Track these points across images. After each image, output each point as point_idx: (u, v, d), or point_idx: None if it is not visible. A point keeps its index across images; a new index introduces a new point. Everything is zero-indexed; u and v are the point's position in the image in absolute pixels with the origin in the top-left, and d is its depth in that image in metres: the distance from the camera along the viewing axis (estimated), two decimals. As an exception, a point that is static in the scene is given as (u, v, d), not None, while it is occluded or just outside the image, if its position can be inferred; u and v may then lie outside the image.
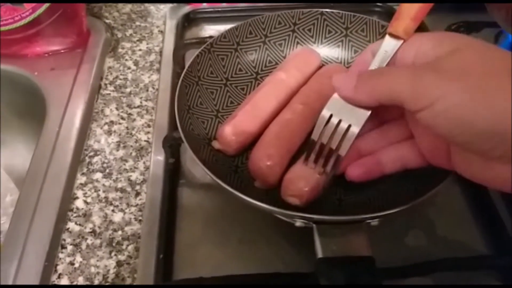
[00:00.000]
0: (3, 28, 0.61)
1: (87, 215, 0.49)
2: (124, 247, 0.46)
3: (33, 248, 0.45)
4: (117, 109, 0.60)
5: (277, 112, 0.49)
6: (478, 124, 0.28)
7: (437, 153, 0.36)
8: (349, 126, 0.36)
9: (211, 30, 0.72)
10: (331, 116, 0.37)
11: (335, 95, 0.37)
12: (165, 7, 0.76)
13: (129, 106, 0.61)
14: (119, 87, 0.63)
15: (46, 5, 0.60)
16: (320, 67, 0.54)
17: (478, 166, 0.32)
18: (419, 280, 0.42)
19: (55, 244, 0.46)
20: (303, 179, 0.41)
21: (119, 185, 0.52)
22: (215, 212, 0.49)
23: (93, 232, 0.47)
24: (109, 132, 0.57)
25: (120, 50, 0.69)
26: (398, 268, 0.41)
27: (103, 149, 0.55)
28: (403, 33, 0.36)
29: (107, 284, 0.44)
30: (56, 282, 0.44)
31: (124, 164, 0.54)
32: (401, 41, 0.36)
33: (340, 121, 0.37)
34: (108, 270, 0.44)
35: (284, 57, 0.57)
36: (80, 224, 0.48)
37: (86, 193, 0.51)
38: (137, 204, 0.50)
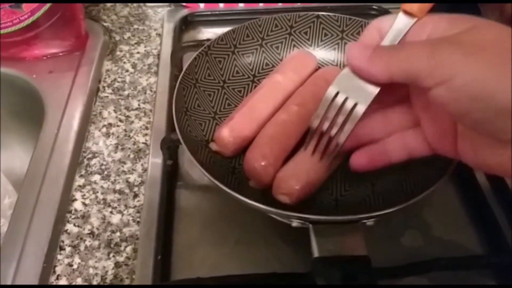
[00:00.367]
0: (1, 31, 0.61)
1: (85, 217, 0.49)
2: (122, 248, 0.46)
3: (31, 250, 0.45)
4: (115, 111, 0.61)
5: (273, 114, 0.49)
6: (495, 100, 0.28)
7: (444, 140, 0.35)
8: (355, 105, 0.35)
9: (209, 33, 0.73)
10: (336, 94, 0.36)
11: (344, 71, 0.35)
12: (162, 10, 0.76)
13: (127, 108, 0.61)
14: (117, 89, 0.64)
15: (45, 8, 0.61)
16: (316, 70, 0.55)
17: (486, 150, 0.31)
18: (414, 280, 0.42)
19: (54, 246, 0.46)
20: (294, 177, 0.42)
21: (117, 187, 0.52)
22: (212, 213, 0.49)
23: (91, 234, 0.48)
24: (107, 135, 0.58)
25: (118, 53, 0.69)
26: (394, 267, 0.41)
27: (101, 151, 0.56)
28: (418, 11, 0.34)
29: (105, 284, 0.44)
30: (54, 284, 0.44)
31: (122, 166, 0.54)
32: (415, 19, 0.34)
33: (345, 100, 0.35)
34: (107, 271, 0.45)
35: (281, 60, 0.58)
36: (78, 226, 0.48)
37: (84, 195, 0.51)
38: (135, 206, 0.50)
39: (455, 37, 0.30)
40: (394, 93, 0.38)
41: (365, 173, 0.46)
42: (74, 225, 0.48)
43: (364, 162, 0.40)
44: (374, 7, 0.73)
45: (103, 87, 0.64)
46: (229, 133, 0.46)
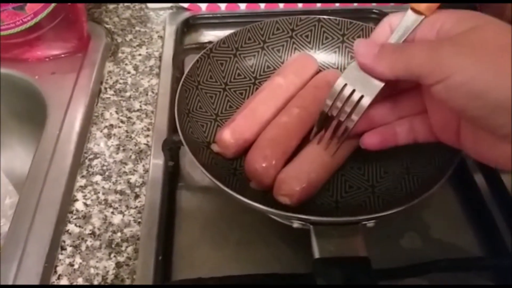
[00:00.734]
0: (4, 33, 0.61)
1: (86, 217, 0.49)
2: (123, 248, 0.47)
3: (33, 250, 0.45)
4: (116, 112, 0.61)
5: (275, 116, 0.50)
6: (491, 97, 0.29)
7: (447, 129, 0.37)
8: (361, 97, 0.37)
9: (210, 35, 0.73)
10: (344, 86, 0.38)
11: (352, 64, 0.37)
12: (164, 13, 0.77)
13: (128, 110, 0.61)
14: (119, 91, 0.64)
15: (48, 10, 0.61)
16: (317, 73, 0.55)
17: (486, 143, 0.33)
18: (414, 281, 0.43)
19: (55, 246, 0.47)
20: (295, 179, 0.42)
21: (119, 187, 0.52)
22: (213, 214, 0.50)
23: (92, 234, 0.48)
24: (108, 136, 0.58)
25: (120, 54, 0.70)
26: (393, 269, 0.41)
27: (102, 152, 0.56)
28: (426, 9, 0.35)
29: (106, 285, 0.44)
30: (55, 283, 0.44)
31: (124, 167, 0.54)
32: (423, 17, 0.35)
33: (352, 92, 0.37)
34: (108, 272, 0.45)
35: (282, 63, 0.58)
36: (79, 226, 0.49)
37: (86, 195, 0.51)
38: (136, 207, 0.50)
39: (456, 37, 0.32)
40: (404, 82, 0.39)
41: (365, 175, 0.47)
42: (76, 225, 0.49)
43: (375, 142, 0.41)
44: (374, 10, 0.73)
45: (105, 88, 0.64)
46: (230, 135, 0.47)
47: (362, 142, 0.42)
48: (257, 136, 0.48)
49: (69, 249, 0.47)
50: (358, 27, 0.57)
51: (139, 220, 0.49)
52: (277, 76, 0.53)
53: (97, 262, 0.46)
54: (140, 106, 0.62)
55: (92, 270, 0.45)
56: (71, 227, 0.49)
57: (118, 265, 0.45)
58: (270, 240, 0.47)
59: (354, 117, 0.38)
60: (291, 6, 0.75)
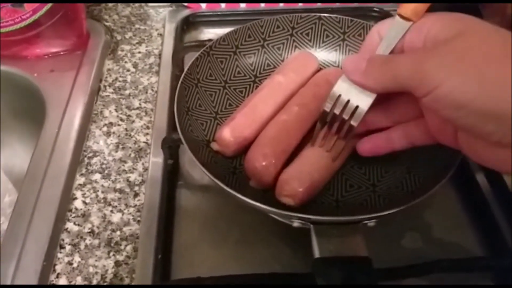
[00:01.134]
0: (3, 30, 0.61)
1: (85, 216, 0.49)
2: (122, 247, 0.46)
3: (31, 248, 0.45)
4: (116, 110, 0.61)
5: (275, 114, 0.49)
6: (477, 106, 0.29)
7: (445, 132, 0.37)
8: (357, 106, 0.38)
9: (210, 33, 0.73)
10: (339, 96, 0.38)
11: (344, 76, 0.38)
12: (164, 11, 0.77)
13: (128, 108, 0.61)
14: (118, 89, 0.64)
15: (47, 7, 0.61)
16: (317, 71, 0.55)
17: (481, 148, 0.33)
18: (415, 281, 0.42)
19: (54, 244, 0.46)
20: (298, 179, 0.42)
21: (118, 186, 0.52)
22: (213, 213, 0.49)
23: (91, 232, 0.48)
24: (108, 134, 0.58)
25: (119, 52, 0.69)
26: (394, 268, 0.41)
27: (102, 150, 0.56)
28: (413, 15, 0.35)
29: (105, 284, 0.44)
30: (54, 282, 0.44)
31: (123, 165, 0.54)
32: (410, 23, 0.36)
33: (348, 101, 0.38)
34: (107, 270, 0.45)
35: (282, 61, 0.58)
36: (78, 224, 0.48)
37: (85, 193, 0.51)
38: (135, 205, 0.50)
39: (439, 47, 0.32)
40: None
41: (366, 174, 0.47)
42: (75, 223, 0.48)
43: (369, 147, 0.43)
44: (375, 8, 0.73)
45: (104, 86, 0.64)
46: (230, 133, 0.46)
47: (358, 149, 0.43)
48: (257, 135, 0.47)
49: (68, 247, 0.46)
50: (359, 25, 0.56)
51: (138, 218, 0.49)
52: (277, 74, 0.53)
53: (96, 260, 0.45)
54: (140, 104, 0.62)
55: (91, 269, 0.45)
56: (70, 225, 0.48)
57: (117, 263, 0.45)
58: (270, 239, 0.46)
59: (353, 122, 0.39)
60: (291, 5, 0.75)
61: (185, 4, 0.75)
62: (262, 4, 0.75)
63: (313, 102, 0.49)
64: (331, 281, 0.35)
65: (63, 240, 0.47)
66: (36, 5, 0.60)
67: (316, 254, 0.37)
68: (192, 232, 0.48)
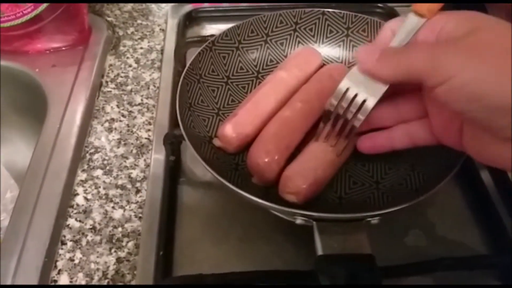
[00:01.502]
0: (4, 25, 0.61)
1: (87, 212, 0.49)
2: (124, 243, 0.46)
3: (33, 244, 0.45)
4: (118, 106, 0.60)
5: (277, 111, 0.49)
6: (492, 99, 0.29)
7: (449, 132, 0.37)
8: (364, 100, 0.37)
9: (213, 29, 0.72)
10: (348, 89, 0.38)
11: (354, 68, 0.37)
12: (166, 6, 0.76)
13: (130, 103, 0.61)
14: (120, 84, 0.63)
15: (48, 1, 0.60)
16: (321, 67, 0.54)
17: (488, 145, 0.33)
18: (419, 280, 0.42)
19: (55, 240, 0.46)
20: (301, 176, 0.41)
21: (120, 182, 0.52)
22: (215, 210, 0.49)
23: (93, 229, 0.47)
24: (109, 130, 0.57)
25: (121, 48, 0.69)
26: (398, 266, 0.41)
27: (103, 146, 0.55)
28: (427, 12, 0.35)
29: (106, 280, 0.44)
30: (55, 278, 0.44)
31: (125, 161, 0.54)
32: (424, 20, 0.35)
33: (356, 95, 0.37)
34: (108, 267, 0.45)
35: (285, 56, 0.57)
36: (80, 221, 0.48)
37: (86, 189, 0.51)
38: (137, 201, 0.50)
39: (457, 39, 0.32)
40: (405, 86, 0.39)
41: (370, 171, 0.46)
42: (76, 220, 0.48)
43: (369, 146, 0.42)
44: (379, 4, 0.72)
45: (106, 82, 0.64)
46: (232, 129, 0.46)
47: (358, 146, 0.43)
48: (260, 131, 0.47)
49: (69, 243, 0.46)
50: (363, 21, 0.56)
51: (140, 215, 0.48)
52: (280, 70, 0.52)
53: (97, 257, 0.45)
54: (142, 100, 0.61)
55: (92, 265, 0.45)
56: (71, 221, 0.48)
57: (119, 260, 0.45)
58: (272, 236, 0.46)
59: (360, 116, 0.38)
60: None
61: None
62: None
63: (316, 98, 0.49)
64: (334, 278, 0.35)
65: (64, 236, 0.47)
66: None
67: (319, 251, 0.36)
68: (194, 229, 0.47)
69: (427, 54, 0.32)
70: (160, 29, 0.72)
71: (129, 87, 0.63)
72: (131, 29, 0.72)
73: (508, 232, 0.46)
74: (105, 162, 0.54)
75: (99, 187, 0.51)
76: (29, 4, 0.60)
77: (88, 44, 0.67)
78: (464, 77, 0.30)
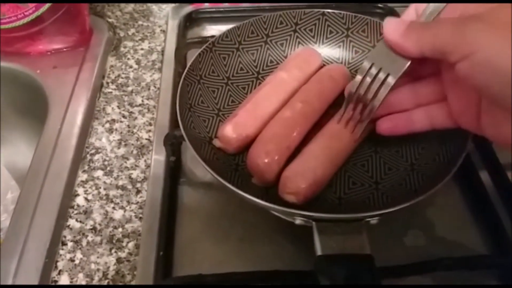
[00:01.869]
0: (6, 26, 0.61)
1: (87, 212, 0.49)
2: (124, 244, 0.46)
3: (33, 245, 0.45)
4: (118, 107, 0.61)
5: (277, 111, 0.49)
6: None
7: (467, 114, 0.37)
8: (387, 76, 0.38)
9: (213, 30, 0.72)
10: (371, 66, 0.39)
11: (379, 44, 0.38)
12: (167, 7, 0.76)
13: (130, 104, 0.61)
14: (121, 85, 0.64)
15: (50, 3, 0.60)
16: (321, 67, 0.55)
17: (506, 126, 0.33)
18: (418, 279, 0.42)
19: (56, 241, 0.46)
20: (301, 176, 0.41)
21: (120, 182, 0.52)
22: (215, 211, 0.49)
23: (93, 229, 0.48)
24: (110, 130, 0.58)
25: (122, 49, 0.69)
26: (397, 266, 0.41)
27: (104, 147, 0.56)
28: None
29: (107, 281, 0.44)
30: (56, 279, 0.44)
31: (125, 162, 0.54)
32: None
33: (379, 71, 0.38)
34: (108, 267, 0.45)
35: (286, 57, 0.57)
36: (80, 221, 0.48)
37: (87, 190, 0.51)
38: (137, 202, 0.50)
39: (480, 15, 0.32)
40: (425, 68, 0.40)
41: (369, 171, 0.46)
42: (77, 220, 0.48)
43: (389, 126, 0.43)
44: (379, 5, 0.72)
45: (107, 83, 0.64)
46: (232, 130, 0.46)
47: (378, 127, 0.43)
48: (260, 131, 0.47)
49: (70, 244, 0.46)
50: (363, 21, 0.56)
51: (140, 215, 0.49)
52: (280, 71, 0.52)
53: (98, 257, 0.45)
54: (142, 100, 0.61)
55: (93, 266, 0.45)
56: (72, 222, 0.48)
57: (119, 260, 0.45)
58: (272, 236, 0.46)
59: (381, 94, 0.39)
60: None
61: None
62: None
63: (316, 98, 0.49)
64: (333, 279, 0.35)
65: (65, 237, 0.47)
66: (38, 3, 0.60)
67: (319, 251, 0.36)
68: (194, 229, 0.47)
69: (451, 29, 0.32)
70: (161, 30, 0.73)
71: (129, 88, 0.63)
72: (132, 30, 0.73)
73: (507, 232, 0.46)
74: (106, 162, 0.54)
75: (100, 187, 0.51)
76: (31, 6, 0.60)
77: (89, 45, 0.67)
78: (488, 52, 0.30)
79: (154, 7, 0.77)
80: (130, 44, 0.70)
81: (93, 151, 0.55)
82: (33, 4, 0.60)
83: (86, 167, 0.53)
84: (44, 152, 0.53)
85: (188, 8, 0.74)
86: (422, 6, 0.38)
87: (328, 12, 0.57)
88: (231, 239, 0.47)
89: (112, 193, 0.51)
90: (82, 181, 0.52)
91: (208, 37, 0.62)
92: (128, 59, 0.68)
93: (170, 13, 0.75)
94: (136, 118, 0.59)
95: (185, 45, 0.63)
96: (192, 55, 0.53)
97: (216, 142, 0.47)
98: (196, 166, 0.53)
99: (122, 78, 0.65)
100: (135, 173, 0.53)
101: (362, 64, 0.40)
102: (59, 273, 0.44)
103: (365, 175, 0.46)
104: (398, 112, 0.42)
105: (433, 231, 0.47)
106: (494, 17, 0.31)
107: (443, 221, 0.48)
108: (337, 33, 0.57)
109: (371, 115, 0.41)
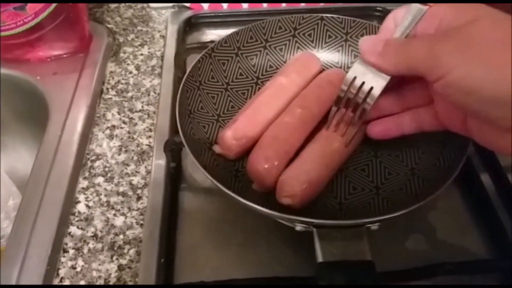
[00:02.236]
0: (5, 33, 0.61)
1: (89, 219, 0.49)
2: (125, 251, 0.46)
3: (35, 252, 0.45)
4: (118, 113, 0.61)
5: (277, 116, 0.49)
6: (484, 93, 0.30)
7: (454, 119, 0.38)
8: (371, 88, 0.39)
9: (212, 35, 0.73)
10: (354, 79, 0.40)
11: (359, 58, 0.39)
12: (166, 12, 0.76)
13: (130, 110, 0.61)
14: (120, 91, 0.64)
15: (49, 10, 0.61)
16: (320, 72, 0.55)
17: (491, 133, 0.34)
18: (419, 283, 0.42)
19: (57, 248, 0.46)
20: (296, 179, 0.42)
21: (121, 189, 0.52)
22: (216, 216, 0.49)
23: (94, 236, 0.48)
24: (110, 137, 0.58)
25: (122, 54, 0.69)
26: (398, 272, 0.41)
27: (105, 153, 0.56)
28: None
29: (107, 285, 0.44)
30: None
31: (126, 168, 0.54)
32: (426, 8, 0.36)
33: (363, 83, 0.39)
34: (110, 274, 0.45)
35: (285, 62, 0.57)
36: (82, 228, 0.48)
37: (88, 197, 0.51)
38: (138, 208, 0.50)
39: (452, 33, 0.33)
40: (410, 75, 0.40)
41: (369, 176, 0.46)
42: (78, 227, 0.48)
43: (379, 130, 0.44)
44: (378, 8, 0.72)
45: (107, 89, 0.64)
46: (232, 135, 0.46)
47: (369, 131, 0.44)
48: (259, 137, 0.47)
49: (71, 251, 0.46)
50: (361, 26, 0.56)
51: (141, 222, 0.49)
52: (280, 76, 0.53)
53: (99, 264, 0.45)
54: (142, 106, 0.61)
55: (94, 273, 0.45)
56: (73, 229, 0.48)
57: (121, 267, 0.45)
58: (273, 242, 0.46)
59: (369, 101, 0.40)
60: (294, 5, 0.74)
61: (187, 4, 0.75)
62: (265, 5, 0.75)
63: (315, 103, 0.49)
64: (334, 285, 0.35)
65: (66, 244, 0.47)
66: (38, 8, 0.60)
67: (319, 258, 0.36)
68: (195, 235, 0.48)
69: (425, 50, 0.33)
70: (160, 35, 0.73)
71: (129, 94, 0.63)
72: (132, 36, 0.73)
73: (509, 236, 0.45)
74: (106, 169, 0.54)
75: (101, 194, 0.51)
76: (30, 13, 0.60)
77: (88, 51, 0.67)
78: (459, 72, 0.31)
79: (153, 12, 0.77)
80: (129, 49, 0.70)
81: (93, 157, 0.55)
82: (33, 11, 0.60)
83: (86, 174, 0.53)
84: (45, 158, 0.53)
85: (188, 13, 0.74)
86: (400, 15, 0.38)
87: (327, 17, 0.57)
88: (232, 245, 0.47)
89: (113, 199, 0.51)
90: (83, 188, 0.52)
91: (208, 42, 0.62)
92: (128, 64, 0.68)
93: (169, 18, 0.75)
94: (136, 124, 0.59)
95: (184, 50, 0.64)
96: (191, 60, 0.53)
97: (216, 148, 0.47)
98: (197, 172, 0.53)
99: (122, 84, 0.65)
100: (135, 179, 0.53)
101: (345, 76, 0.40)
102: (61, 281, 0.44)
103: (366, 179, 0.46)
104: (387, 116, 0.43)
105: (434, 235, 0.47)
106: (468, 34, 0.31)
107: (445, 225, 0.48)
108: (336, 37, 0.57)
109: (361, 120, 0.42)
